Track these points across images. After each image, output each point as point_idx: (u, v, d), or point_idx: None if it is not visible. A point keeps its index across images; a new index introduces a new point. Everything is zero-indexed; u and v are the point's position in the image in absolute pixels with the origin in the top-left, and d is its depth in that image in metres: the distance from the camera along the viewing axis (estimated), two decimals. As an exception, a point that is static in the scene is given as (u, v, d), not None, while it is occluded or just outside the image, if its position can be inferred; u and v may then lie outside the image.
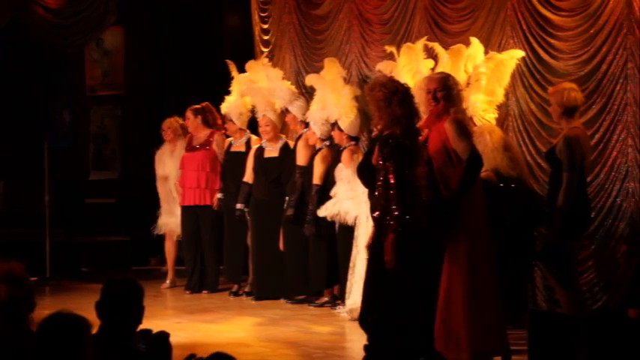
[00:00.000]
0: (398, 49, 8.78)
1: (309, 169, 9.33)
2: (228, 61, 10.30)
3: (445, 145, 6.38)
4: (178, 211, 10.42)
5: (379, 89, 6.33)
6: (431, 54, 8.54)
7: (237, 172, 9.95)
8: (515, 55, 8.13)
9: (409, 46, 8.56)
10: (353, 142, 9.02)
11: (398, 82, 6.47)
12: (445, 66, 8.09)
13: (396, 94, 6.29)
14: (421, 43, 8.60)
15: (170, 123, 10.59)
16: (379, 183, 6.25)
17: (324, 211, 8.89)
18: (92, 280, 10.89)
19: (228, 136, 10.30)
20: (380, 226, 6.30)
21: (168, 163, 10.55)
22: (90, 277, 11.18)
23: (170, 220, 10.54)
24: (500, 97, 8.10)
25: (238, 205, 9.87)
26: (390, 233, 6.15)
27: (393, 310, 6.22)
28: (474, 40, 8.28)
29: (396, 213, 6.13)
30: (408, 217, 6.14)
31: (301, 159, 9.44)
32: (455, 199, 6.29)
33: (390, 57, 8.80)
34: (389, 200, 6.16)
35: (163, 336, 4.47)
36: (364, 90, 7.37)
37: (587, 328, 4.18)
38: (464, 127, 6.43)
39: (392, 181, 6.15)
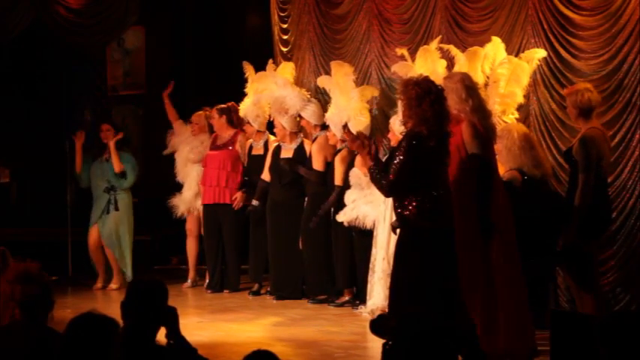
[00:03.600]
0: (417, 49, 8.81)
1: (325, 173, 9.38)
2: (245, 63, 10.32)
3: (459, 147, 6.38)
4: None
5: (412, 87, 6.27)
6: (447, 56, 8.54)
7: (259, 175, 9.98)
8: (536, 55, 8.10)
9: (425, 49, 8.57)
10: None
11: (432, 83, 6.38)
12: (462, 68, 8.08)
13: (429, 94, 6.23)
14: (435, 43, 8.61)
15: (199, 118, 10.61)
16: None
17: (342, 217, 8.90)
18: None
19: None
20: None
21: (180, 146, 10.60)
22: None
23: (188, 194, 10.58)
24: (519, 98, 8.09)
25: (253, 202, 9.92)
26: (400, 224, 6.19)
27: (414, 308, 6.21)
28: (495, 39, 8.26)
29: (409, 209, 6.15)
30: (420, 214, 6.14)
31: (317, 164, 9.46)
32: (482, 210, 6.32)
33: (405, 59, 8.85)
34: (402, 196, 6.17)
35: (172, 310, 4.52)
36: (393, 88, 7.36)
37: (606, 329, 4.15)
38: (478, 132, 6.42)
39: (392, 169, 6.13)
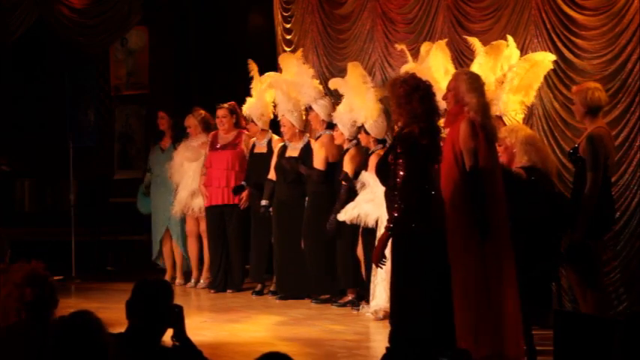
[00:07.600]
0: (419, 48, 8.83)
1: (327, 172, 9.36)
2: (250, 61, 10.30)
3: (454, 146, 6.31)
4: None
5: (400, 85, 6.26)
6: (463, 50, 8.52)
7: (261, 174, 9.96)
8: (548, 57, 8.07)
9: (439, 45, 8.52)
10: (380, 146, 9.00)
11: (419, 79, 6.38)
12: (484, 62, 8.05)
13: (417, 90, 6.23)
14: (443, 43, 8.61)
15: (190, 121, 10.60)
16: (391, 181, 6.25)
17: (343, 215, 8.89)
18: (117, 279, 10.95)
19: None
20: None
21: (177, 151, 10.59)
22: (115, 276, 11.24)
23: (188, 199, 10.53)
24: (531, 98, 8.07)
25: (263, 202, 9.89)
26: (385, 230, 6.15)
27: (408, 313, 6.21)
28: (510, 39, 8.23)
29: (395, 212, 6.11)
30: (412, 216, 6.11)
31: (318, 162, 9.44)
32: (478, 214, 6.27)
33: (405, 54, 8.84)
34: (395, 197, 6.15)
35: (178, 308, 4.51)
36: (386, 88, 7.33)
37: (615, 329, 4.15)
38: (475, 131, 6.35)
39: (398, 179, 6.12)
